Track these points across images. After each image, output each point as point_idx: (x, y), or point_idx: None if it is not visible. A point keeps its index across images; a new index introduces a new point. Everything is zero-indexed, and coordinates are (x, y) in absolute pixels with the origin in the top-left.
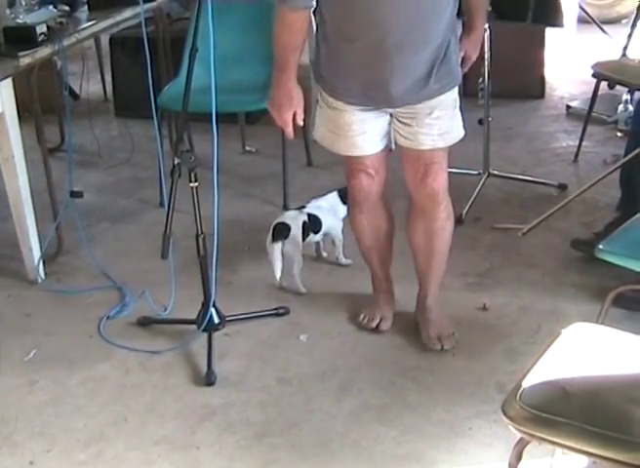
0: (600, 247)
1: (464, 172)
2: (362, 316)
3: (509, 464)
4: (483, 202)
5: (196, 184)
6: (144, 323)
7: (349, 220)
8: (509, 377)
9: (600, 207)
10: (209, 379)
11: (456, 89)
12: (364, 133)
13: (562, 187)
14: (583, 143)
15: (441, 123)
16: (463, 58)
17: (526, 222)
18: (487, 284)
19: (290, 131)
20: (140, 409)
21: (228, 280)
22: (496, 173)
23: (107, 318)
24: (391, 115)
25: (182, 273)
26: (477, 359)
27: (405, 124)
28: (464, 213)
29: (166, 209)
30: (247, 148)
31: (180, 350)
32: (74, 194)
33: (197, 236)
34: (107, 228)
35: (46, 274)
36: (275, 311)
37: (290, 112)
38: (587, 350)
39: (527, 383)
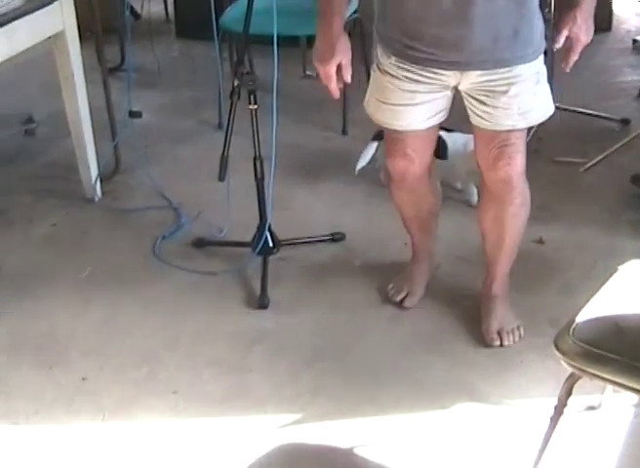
0: None
1: None
2: (390, 286)
3: (559, 399)
4: (543, 134)
5: (255, 107)
6: (199, 244)
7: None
8: (563, 312)
9: None
10: (262, 303)
11: (538, 61)
12: (412, 104)
13: (625, 122)
14: None
15: (521, 101)
16: (568, 41)
17: (586, 156)
18: (544, 217)
19: (333, 87)
20: (192, 330)
21: (284, 204)
22: (557, 105)
23: (163, 238)
24: (460, 91)
25: (239, 196)
26: (531, 292)
27: (479, 101)
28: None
29: (224, 131)
30: (307, 73)
31: (234, 273)
32: (133, 114)
33: (255, 159)
34: (165, 149)
35: (103, 193)
36: (331, 236)
37: (332, 64)
38: None
39: (580, 318)
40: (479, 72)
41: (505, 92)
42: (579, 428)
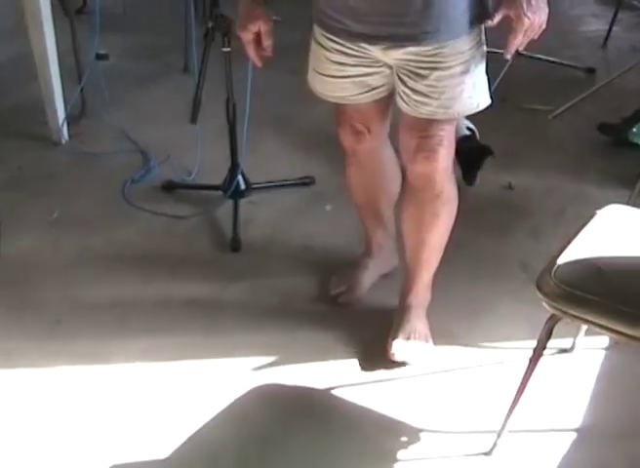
0: (634, 130)
1: (492, 50)
2: (334, 278)
3: (539, 341)
4: (510, 82)
5: (229, 50)
6: (169, 188)
7: None
8: (534, 257)
9: (628, 92)
10: (234, 245)
11: (467, 46)
12: (342, 77)
13: (590, 71)
14: (613, 29)
15: (442, 89)
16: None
17: (552, 104)
18: (513, 164)
19: (253, 54)
20: (163, 273)
21: (255, 149)
22: (524, 53)
23: (131, 181)
24: (391, 67)
25: (208, 140)
26: (501, 237)
27: (401, 81)
28: (491, 92)
29: (193, 74)
30: (275, 18)
31: (204, 216)
32: (99, 56)
33: (227, 101)
34: (132, 92)
35: (70, 136)
36: (301, 180)
37: (249, 31)
38: (622, 232)
39: (561, 261)
40: (402, 50)
41: (426, 76)
42: (552, 370)
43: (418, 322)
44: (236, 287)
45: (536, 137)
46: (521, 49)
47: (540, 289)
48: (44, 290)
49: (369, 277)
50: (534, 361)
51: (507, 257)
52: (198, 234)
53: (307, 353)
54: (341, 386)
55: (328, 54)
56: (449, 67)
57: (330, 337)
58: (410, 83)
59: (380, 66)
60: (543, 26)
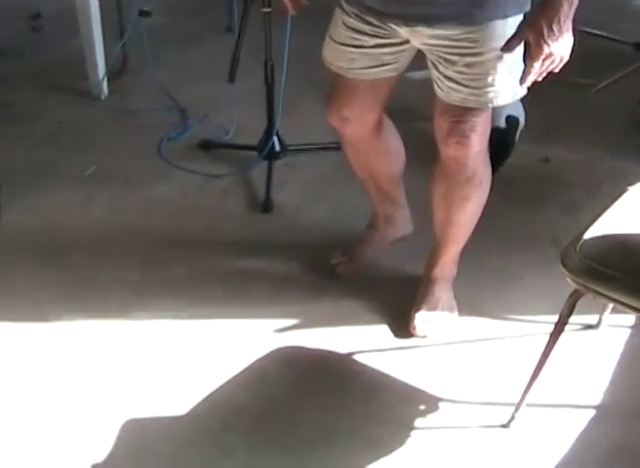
0: None
1: None
2: (337, 251)
3: (560, 315)
4: None
5: (269, 9)
6: (205, 146)
7: None
8: (566, 231)
9: None
10: (266, 207)
11: (500, 28)
12: (354, 46)
13: (638, 47)
14: None
15: (473, 75)
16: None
17: (596, 79)
18: (551, 137)
19: (287, 1)
20: (194, 231)
21: (292, 110)
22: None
23: (168, 139)
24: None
25: (246, 100)
26: (534, 210)
27: (433, 64)
28: None
29: (235, 34)
30: None
31: (238, 176)
32: (143, 13)
33: (266, 62)
34: (173, 50)
35: (109, 92)
36: (336, 145)
37: None
38: None
39: (588, 236)
40: (430, 32)
41: (455, 62)
42: (575, 346)
43: (442, 294)
44: (264, 248)
45: (576, 111)
46: (539, 79)
47: (563, 263)
48: (75, 244)
49: (372, 250)
50: (554, 335)
51: (539, 231)
52: (231, 194)
53: (330, 318)
54: (362, 352)
55: (346, 18)
56: (480, 53)
57: (354, 304)
58: (441, 68)
59: (399, 42)
60: (565, 59)
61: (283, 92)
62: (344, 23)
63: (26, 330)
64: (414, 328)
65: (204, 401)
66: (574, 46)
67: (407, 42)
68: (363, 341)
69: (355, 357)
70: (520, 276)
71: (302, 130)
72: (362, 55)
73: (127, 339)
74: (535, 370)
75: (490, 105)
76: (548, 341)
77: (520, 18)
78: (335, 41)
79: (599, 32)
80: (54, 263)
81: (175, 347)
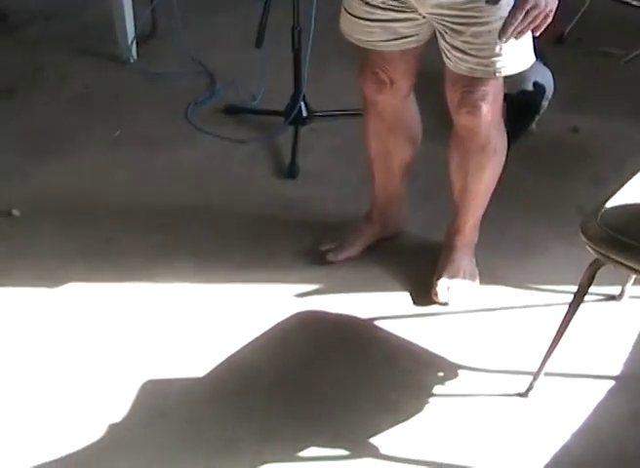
0: None
1: None
2: (329, 234)
3: (580, 285)
4: (588, 22)
5: None
6: (232, 111)
7: None
8: (592, 201)
9: None
10: (291, 172)
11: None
12: (370, 19)
13: None
14: None
15: (479, 47)
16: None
17: (627, 49)
18: (581, 106)
19: None
20: (219, 196)
21: (319, 76)
22: None
23: (195, 104)
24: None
25: (273, 66)
26: (561, 180)
27: (440, 34)
28: (566, 32)
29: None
30: None
31: (264, 141)
32: None
33: (293, 28)
34: (202, 15)
35: (138, 55)
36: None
37: None
38: None
39: (610, 205)
40: (433, 2)
41: (462, 32)
42: (596, 316)
43: (463, 262)
44: (289, 214)
45: (606, 82)
46: (518, 38)
47: (584, 231)
48: (100, 207)
49: (363, 241)
50: (574, 305)
51: (565, 201)
52: (257, 159)
53: (352, 284)
54: (383, 318)
55: None
56: (486, 23)
57: (376, 270)
58: (448, 38)
59: (413, 13)
60: (550, 17)
61: (310, 58)
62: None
63: (49, 289)
64: (435, 294)
65: (223, 363)
66: (607, 15)
67: (420, 17)
68: (384, 307)
69: (376, 323)
70: (544, 245)
71: (329, 95)
72: (379, 28)
73: (148, 301)
74: (554, 340)
75: (498, 75)
76: (568, 311)
77: None
78: (351, 14)
79: (634, 2)
80: (78, 225)
81: (196, 310)
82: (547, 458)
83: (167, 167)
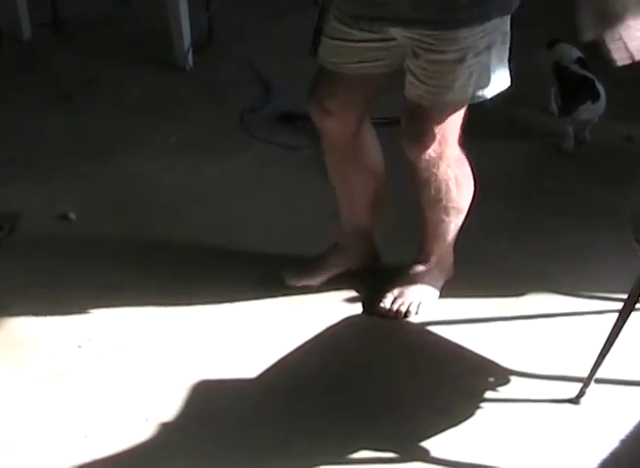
0: None
1: None
2: (292, 265)
3: (630, 293)
4: None
5: None
6: (286, 118)
7: None
8: None
9: None
10: None
11: (465, 32)
12: (347, 40)
13: None
14: None
15: (432, 73)
16: None
17: None
18: (634, 115)
19: None
20: (272, 201)
21: None
22: None
23: (250, 111)
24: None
25: None
26: (614, 187)
27: (408, 56)
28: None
29: (319, 5)
30: None
31: (318, 148)
32: None
33: None
34: (258, 23)
35: (194, 63)
36: None
37: None
38: None
39: None
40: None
41: (419, 56)
42: None
43: (418, 283)
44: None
45: None
46: None
47: (637, 239)
48: (153, 210)
49: (327, 268)
50: (624, 312)
51: (618, 209)
52: (310, 166)
53: None
54: (435, 323)
55: (340, 14)
56: (442, 52)
57: None
58: (407, 60)
59: (387, 38)
60: None
61: None
62: (336, 18)
63: (100, 291)
64: (379, 301)
65: (275, 366)
66: None
67: (394, 39)
68: (435, 312)
69: (428, 328)
70: (596, 253)
71: (383, 103)
72: (352, 48)
73: (204, 303)
74: (604, 347)
75: (446, 108)
76: (618, 318)
77: (487, 25)
78: (328, 37)
79: None
80: (132, 228)
81: (249, 314)
82: (595, 465)
83: (221, 172)
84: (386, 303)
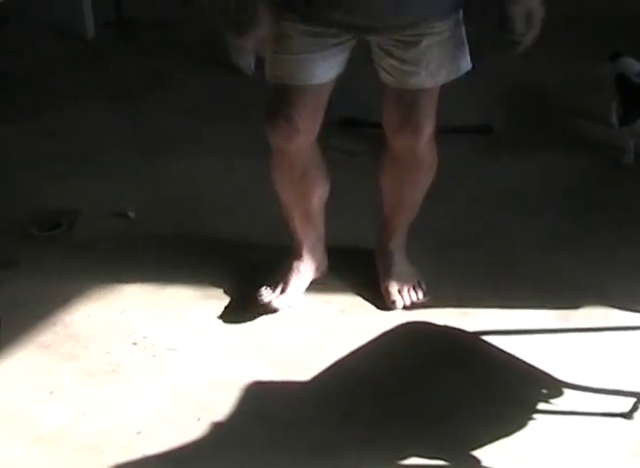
0: None
1: None
2: (264, 287)
3: None
4: None
5: None
6: (346, 123)
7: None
8: None
9: None
10: None
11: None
12: (317, 52)
13: None
14: None
15: (431, 56)
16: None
17: None
18: None
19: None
20: (329, 204)
21: None
22: None
23: None
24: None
25: None
26: None
27: (385, 52)
28: None
29: None
30: None
31: (375, 154)
32: None
33: None
34: None
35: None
36: (478, 127)
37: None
38: None
39: None
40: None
41: (416, 43)
42: None
43: (403, 265)
44: None
45: None
46: None
47: None
48: (211, 210)
49: (302, 281)
50: None
51: None
52: (366, 171)
53: (459, 298)
54: (489, 333)
55: (302, 26)
56: (440, 32)
57: (480, 286)
58: (397, 53)
59: (347, 39)
60: None
61: None
62: (303, 33)
63: (157, 289)
64: (392, 301)
65: (328, 369)
66: None
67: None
68: (490, 322)
69: (483, 337)
70: None
71: (443, 111)
72: (322, 57)
73: (257, 302)
74: None
75: (444, 81)
76: None
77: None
78: (284, 53)
79: None
80: (188, 226)
81: (304, 317)
82: None
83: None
84: (397, 300)
